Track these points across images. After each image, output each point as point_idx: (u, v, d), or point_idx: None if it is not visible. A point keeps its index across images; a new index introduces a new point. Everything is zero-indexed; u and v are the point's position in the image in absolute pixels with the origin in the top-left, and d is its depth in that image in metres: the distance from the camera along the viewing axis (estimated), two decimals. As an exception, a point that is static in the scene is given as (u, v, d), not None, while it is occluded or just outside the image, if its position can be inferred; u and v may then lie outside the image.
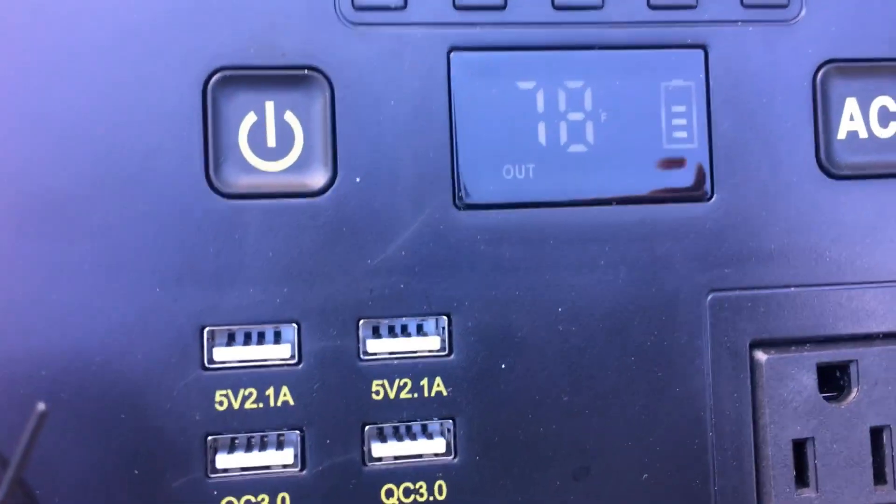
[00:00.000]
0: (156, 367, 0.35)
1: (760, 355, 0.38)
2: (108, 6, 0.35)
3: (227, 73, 0.35)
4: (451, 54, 0.36)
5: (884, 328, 0.39)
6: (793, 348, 0.38)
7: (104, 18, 0.35)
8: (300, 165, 0.36)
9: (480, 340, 0.37)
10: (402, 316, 0.36)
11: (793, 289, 0.38)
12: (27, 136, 0.34)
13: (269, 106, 0.36)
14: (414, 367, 0.36)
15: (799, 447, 0.38)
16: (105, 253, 0.34)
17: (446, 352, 0.37)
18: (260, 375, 0.36)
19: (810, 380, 0.38)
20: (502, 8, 0.37)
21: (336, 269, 0.36)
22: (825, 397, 0.38)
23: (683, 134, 0.38)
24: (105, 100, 0.34)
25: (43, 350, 0.34)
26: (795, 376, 0.38)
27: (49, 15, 0.34)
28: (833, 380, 0.39)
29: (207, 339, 0.35)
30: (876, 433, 0.38)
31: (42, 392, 0.34)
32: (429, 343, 0.36)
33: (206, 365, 0.35)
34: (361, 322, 0.36)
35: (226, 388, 0.35)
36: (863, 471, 0.38)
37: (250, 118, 0.36)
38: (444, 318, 0.37)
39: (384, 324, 0.37)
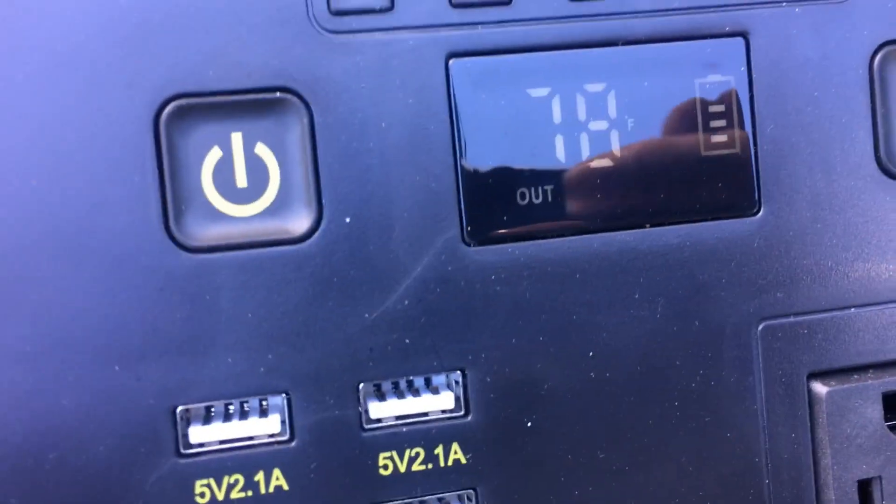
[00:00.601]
0: (122, 460, 0.29)
1: (820, 388, 0.33)
2: (32, 33, 0.28)
3: (183, 101, 0.29)
4: (451, 62, 0.30)
5: (955, 346, 0.34)
6: (855, 377, 0.34)
7: (28, 47, 0.28)
8: (278, 207, 0.30)
9: (501, 397, 0.31)
10: (408, 375, 0.31)
11: (853, 310, 0.33)
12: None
13: (237, 138, 0.30)
14: (426, 434, 0.31)
15: (864, 487, 0.34)
16: (50, 330, 0.29)
17: (462, 412, 0.31)
18: (247, 458, 0.30)
19: (876, 412, 0.33)
20: (507, 3, 0.31)
21: (328, 326, 0.30)
22: (890, 427, 0.34)
23: (724, 138, 0.32)
24: (35, 147, 0.28)
25: (-17, 451, 0.28)
26: (859, 409, 0.33)
27: None
28: (897, 406, 0.35)
29: (181, 421, 0.30)
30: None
31: (-14, 498, 0.29)
32: (442, 402, 0.31)
33: (182, 451, 0.30)
34: (362, 386, 0.31)
35: (207, 477, 0.30)
36: (937, 510, 0.34)
37: (214, 154, 0.30)
38: (458, 373, 0.31)
39: (389, 382, 0.31)
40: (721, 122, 0.32)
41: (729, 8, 0.32)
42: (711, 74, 0.32)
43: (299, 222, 0.30)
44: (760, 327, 0.33)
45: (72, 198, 0.28)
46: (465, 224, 0.31)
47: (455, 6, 0.30)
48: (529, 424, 0.32)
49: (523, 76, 0.31)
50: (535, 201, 0.31)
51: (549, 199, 0.31)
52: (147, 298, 0.29)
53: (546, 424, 0.32)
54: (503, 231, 0.31)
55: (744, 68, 0.32)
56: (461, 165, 0.31)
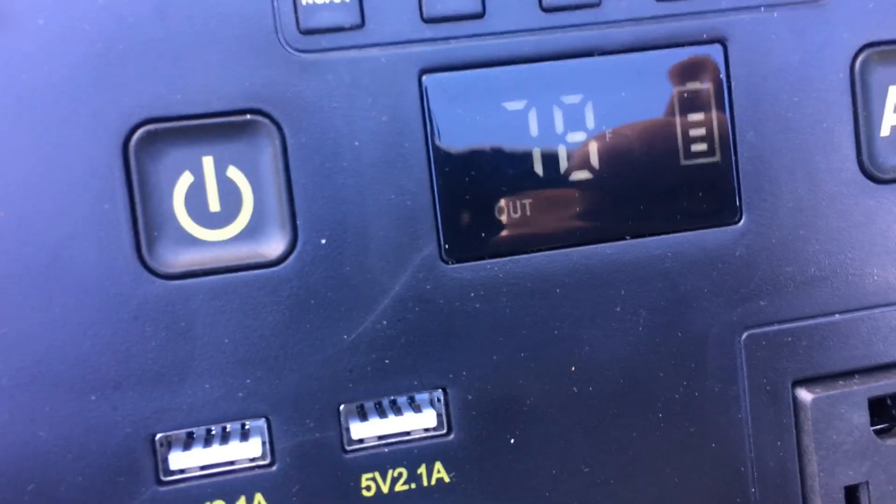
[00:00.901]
0: (102, 490, 0.29)
1: (805, 395, 0.33)
2: None
3: (152, 127, 0.29)
4: (424, 78, 0.30)
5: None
6: (840, 383, 0.33)
7: None
8: (252, 231, 0.30)
9: (483, 414, 0.31)
10: (388, 396, 0.31)
11: (837, 316, 0.33)
12: None
13: (208, 162, 0.29)
14: (409, 454, 0.31)
15: (852, 493, 0.34)
16: (24, 363, 0.28)
17: (445, 430, 0.31)
18: (228, 484, 0.30)
19: (862, 417, 0.33)
20: (480, 16, 0.30)
21: (307, 349, 0.30)
22: (876, 431, 0.34)
23: (703, 147, 0.32)
24: (2, 178, 0.28)
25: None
26: (845, 415, 0.33)
27: None
28: (884, 410, 0.34)
29: (161, 447, 0.29)
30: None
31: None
32: (424, 421, 0.31)
33: (163, 478, 0.30)
34: (343, 407, 0.30)
35: (188, 505, 0.30)
36: (925, 515, 0.34)
37: (186, 179, 0.29)
38: (440, 391, 0.31)
39: (371, 402, 0.31)
40: (700, 131, 0.32)
41: (706, 15, 0.32)
42: (689, 82, 0.32)
43: (274, 245, 0.30)
44: (744, 336, 0.32)
45: (42, 228, 0.28)
46: (442, 242, 0.30)
47: (427, 21, 0.30)
48: (513, 441, 0.31)
49: (498, 90, 0.31)
50: (514, 216, 0.31)
51: (528, 213, 0.31)
52: (121, 327, 0.29)
53: (529, 440, 0.31)
54: (481, 247, 0.31)
55: (722, 75, 0.32)
56: (437, 182, 0.30)
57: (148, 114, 0.28)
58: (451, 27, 0.30)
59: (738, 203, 0.32)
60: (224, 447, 0.30)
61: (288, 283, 0.30)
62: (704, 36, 0.32)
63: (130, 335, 0.29)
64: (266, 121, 0.29)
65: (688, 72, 0.32)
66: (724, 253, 0.32)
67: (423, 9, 0.30)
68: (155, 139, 0.29)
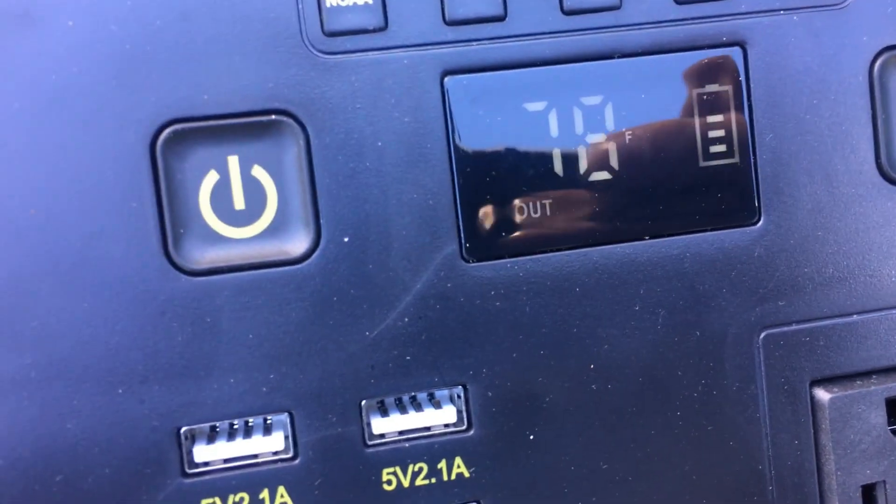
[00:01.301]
0: (128, 481, 0.30)
1: (822, 395, 0.33)
2: (26, 66, 0.28)
3: (179, 126, 0.29)
4: (446, 79, 0.30)
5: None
6: (858, 383, 0.34)
7: (23, 80, 0.28)
8: (276, 229, 0.30)
9: (503, 411, 0.32)
10: (409, 392, 0.31)
11: (855, 317, 0.33)
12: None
13: (233, 161, 0.30)
14: (429, 449, 0.31)
15: (869, 492, 0.34)
16: (53, 357, 0.29)
17: (465, 426, 0.32)
18: (251, 476, 0.31)
19: (879, 417, 0.33)
20: (502, 19, 0.31)
21: (329, 345, 0.30)
22: (893, 430, 0.34)
23: (722, 148, 0.32)
24: (34, 177, 0.28)
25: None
26: (862, 415, 0.33)
27: None
28: (901, 411, 0.34)
29: (186, 440, 0.30)
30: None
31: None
32: (444, 416, 0.31)
33: (188, 471, 0.30)
34: (364, 403, 0.31)
35: (213, 496, 0.30)
36: (943, 514, 0.34)
37: (211, 178, 0.30)
38: (460, 388, 0.31)
39: (391, 398, 0.31)
40: (719, 133, 0.32)
41: (726, 18, 0.32)
42: (709, 84, 0.32)
43: (298, 243, 0.30)
44: (762, 336, 0.33)
45: (71, 226, 0.29)
46: (463, 241, 0.31)
47: (449, 23, 0.30)
48: (532, 437, 0.32)
49: (519, 91, 0.31)
50: (534, 216, 0.31)
51: (548, 212, 0.31)
52: (148, 322, 0.29)
53: (549, 437, 0.32)
54: (501, 247, 0.31)
55: (741, 78, 0.32)
56: (458, 182, 0.31)
57: (175, 114, 0.29)
58: (472, 29, 0.31)
59: (756, 204, 0.32)
60: (247, 441, 0.30)
61: (311, 280, 0.30)
62: (724, 39, 0.32)
63: (157, 330, 0.29)
64: (290, 121, 0.30)
65: (707, 74, 0.32)
66: (743, 253, 0.32)
67: (446, 11, 0.30)
68: (182, 138, 0.29)
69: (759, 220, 0.33)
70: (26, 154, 0.28)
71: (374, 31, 0.30)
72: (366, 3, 0.30)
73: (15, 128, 0.28)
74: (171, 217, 0.29)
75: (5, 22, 0.28)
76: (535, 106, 0.31)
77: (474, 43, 0.31)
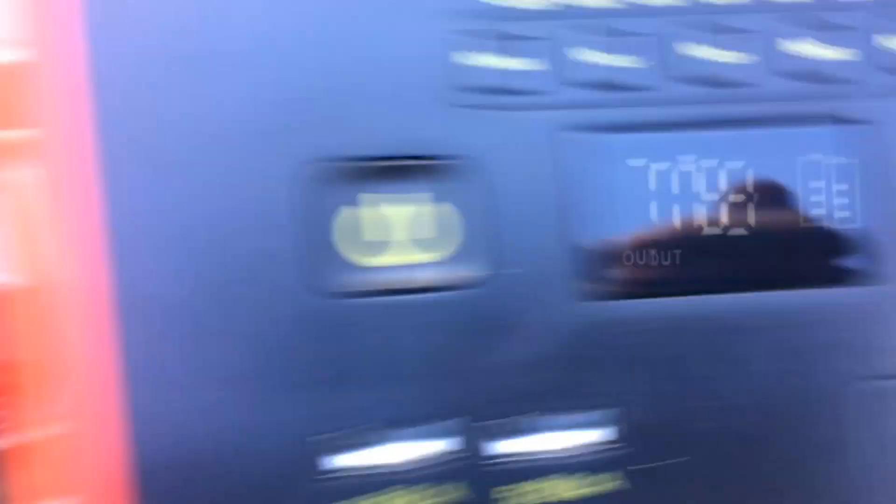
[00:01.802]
0: (268, 483, 0.33)
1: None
2: (202, 103, 0.32)
3: (326, 163, 0.33)
4: (575, 135, 0.34)
5: None
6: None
7: (199, 117, 0.33)
8: (431, 259, 0.34)
9: (634, 439, 0.35)
10: (543, 414, 0.34)
11: None
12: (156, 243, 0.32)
13: (369, 198, 0.33)
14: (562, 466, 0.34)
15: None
16: (205, 364, 0.32)
17: (604, 448, 0.35)
18: (380, 481, 0.34)
19: None
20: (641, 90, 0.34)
21: (475, 367, 0.33)
22: None
23: (847, 213, 0.35)
24: (208, 204, 0.32)
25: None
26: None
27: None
28: None
29: (324, 447, 0.33)
30: None
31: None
32: (585, 437, 0.34)
33: (323, 476, 0.33)
34: (501, 421, 0.34)
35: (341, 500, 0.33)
36: None
37: (350, 211, 0.33)
38: (599, 413, 0.34)
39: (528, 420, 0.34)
40: (845, 200, 0.35)
41: (857, 97, 0.35)
42: (836, 157, 0.35)
43: (452, 273, 0.34)
44: (876, 387, 0.35)
45: (238, 245, 0.32)
46: (602, 282, 0.34)
47: (570, 85, 0.34)
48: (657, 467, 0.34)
49: (644, 150, 0.34)
50: (667, 262, 0.34)
51: (677, 262, 0.34)
52: (301, 339, 0.33)
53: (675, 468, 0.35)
54: (640, 289, 0.34)
55: (869, 153, 0.35)
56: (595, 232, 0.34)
57: (323, 154, 0.33)
58: (589, 93, 0.34)
59: (879, 267, 0.35)
60: (380, 449, 0.34)
61: (454, 307, 0.33)
62: (857, 116, 0.35)
63: (307, 345, 0.33)
64: (428, 163, 0.33)
65: (834, 146, 0.35)
66: (865, 311, 0.35)
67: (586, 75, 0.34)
68: (329, 174, 0.33)
69: (881, 282, 0.35)
70: (199, 184, 0.32)
71: (509, 92, 0.34)
72: (508, 69, 0.33)
73: (194, 160, 0.32)
74: (321, 245, 0.33)
75: (197, 68, 0.32)
76: (658, 166, 0.34)
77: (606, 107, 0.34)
